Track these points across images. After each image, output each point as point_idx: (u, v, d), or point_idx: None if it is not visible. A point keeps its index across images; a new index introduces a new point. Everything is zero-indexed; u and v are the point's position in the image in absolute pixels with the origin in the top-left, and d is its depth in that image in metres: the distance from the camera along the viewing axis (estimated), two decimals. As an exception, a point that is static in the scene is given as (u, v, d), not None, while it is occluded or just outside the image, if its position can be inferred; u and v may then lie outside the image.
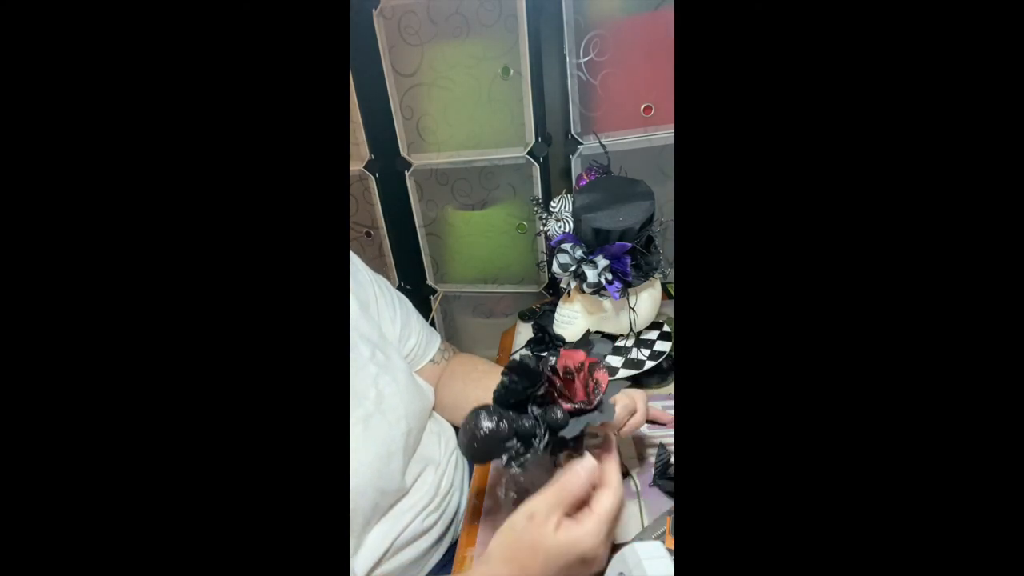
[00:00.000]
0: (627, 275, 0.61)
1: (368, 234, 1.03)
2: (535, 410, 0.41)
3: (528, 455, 0.40)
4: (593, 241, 0.62)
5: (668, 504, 0.53)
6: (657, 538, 0.48)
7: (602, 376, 0.41)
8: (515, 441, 0.40)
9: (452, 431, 0.67)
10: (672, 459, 0.55)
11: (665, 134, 0.82)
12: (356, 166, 0.96)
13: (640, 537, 0.49)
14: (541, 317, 0.80)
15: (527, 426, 0.40)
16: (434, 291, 1.08)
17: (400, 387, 0.57)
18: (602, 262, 0.61)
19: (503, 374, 0.41)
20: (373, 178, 0.96)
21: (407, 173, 0.96)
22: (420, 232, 1.02)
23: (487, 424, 0.39)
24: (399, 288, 1.07)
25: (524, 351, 0.72)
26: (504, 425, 0.40)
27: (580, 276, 0.63)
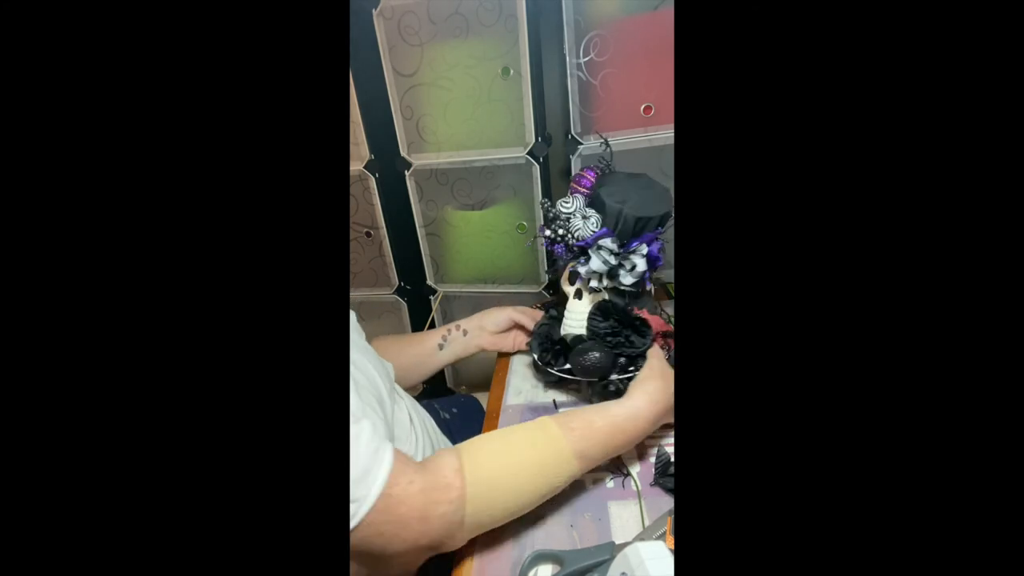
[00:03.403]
0: (658, 260, 0.64)
1: (368, 234, 1.03)
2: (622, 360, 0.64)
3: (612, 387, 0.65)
4: (631, 231, 0.63)
5: (669, 504, 0.53)
6: (658, 538, 0.48)
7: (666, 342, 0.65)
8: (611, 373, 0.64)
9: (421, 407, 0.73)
10: (672, 459, 0.55)
11: (665, 134, 0.82)
12: (356, 166, 0.96)
13: (641, 537, 0.49)
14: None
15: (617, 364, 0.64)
16: (434, 291, 1.08)
17: (364, 353, 0.62)
18: (643, 249, 0.63)
19: (606, 317, 0.65)
20: (373, 178, 0.96)
21: (407, 173, 0.96)
22: (420, 232, 1.02)
23: (594, 355, 0.63)
24: (399, 288, 1.08)
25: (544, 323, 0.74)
26: (607, 359, 0.63)
27: (613, 276, 0.64)
